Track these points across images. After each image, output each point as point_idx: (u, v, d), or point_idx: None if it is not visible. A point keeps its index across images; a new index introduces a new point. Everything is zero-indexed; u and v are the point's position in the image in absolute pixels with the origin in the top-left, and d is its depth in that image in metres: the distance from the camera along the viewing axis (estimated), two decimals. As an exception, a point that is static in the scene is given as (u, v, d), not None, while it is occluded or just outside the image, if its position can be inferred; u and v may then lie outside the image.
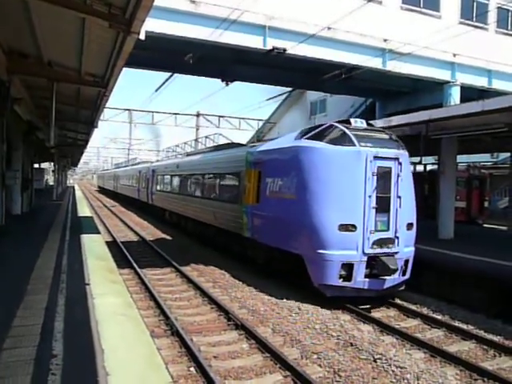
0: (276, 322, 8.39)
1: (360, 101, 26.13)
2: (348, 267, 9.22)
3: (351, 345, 7.30)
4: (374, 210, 9.31)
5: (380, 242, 9.42)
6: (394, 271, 9.22)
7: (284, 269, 11.11)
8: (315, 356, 6.85)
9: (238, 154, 14.10)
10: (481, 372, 6.46)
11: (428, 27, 18.75)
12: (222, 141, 33.56)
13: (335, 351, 7.06)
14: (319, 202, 9.41)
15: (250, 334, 7.56)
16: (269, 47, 15.27)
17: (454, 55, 20.35)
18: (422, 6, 19.51)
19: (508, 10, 22.01)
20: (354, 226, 9.22)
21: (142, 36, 7.20)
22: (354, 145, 9.39)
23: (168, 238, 19.78)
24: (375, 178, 9.27)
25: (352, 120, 10.38)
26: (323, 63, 16.83)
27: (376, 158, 9.32)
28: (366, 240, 9.23)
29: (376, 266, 9.30)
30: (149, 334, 5.52)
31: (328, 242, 9.21)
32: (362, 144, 9.42)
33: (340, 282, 9.21)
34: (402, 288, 10.09)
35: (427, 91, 21.77)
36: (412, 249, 10.05)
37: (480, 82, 21.73)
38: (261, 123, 37.13)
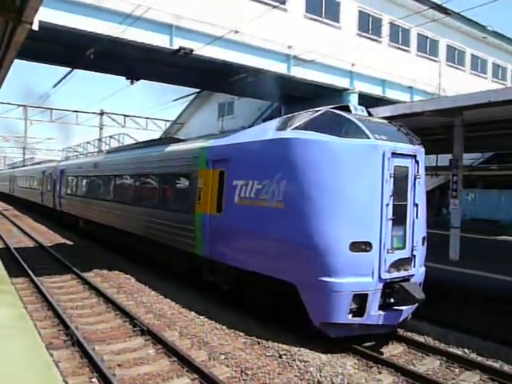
0: (184, 325, 8.29)
1: (267, 104, 26.79)
2: (360, 298, 7.01)
3: (258, 343, 7.46)
4: (390, 223, 7.15)
5: (397, 264, 7.33)
6: (420, 301, 7.23)
7: (262, 300, 8.60)
8: (223, 356, 6.88)
9: (189, 150, 11.02)
10: None
11: (329, 36, 19.86)
12: (128, 141, 32.43)
13: (242, 350, 7.16)
14: (323, 213, 7.05)
15: (157, 339, 7.39)
16: (176, 47, 15.08)
17: (353, 65, 21.74)
18: (323, 16, 20.57)
19: (399, 26, 24.00)
20: (369, 245, 7.00)
21: (36, 26, 6.70)
22: (368, 137, 7.18)
23: (69, 242, 18.59)
24: (392, 180, 7.19)
25: (351, 106, 8.29)
26: (230, 66, 17.01)
27: (393, 154, 7.24)
28: (382, 262, 7.07)
29: (394, 294, 7.29)
30: (44, 346, 5.15)
31: (336, 266, 6.91)
32: (377, 136, 7.24)
33: (350, 319, 7.02)
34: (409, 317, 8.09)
35: (329, 97, 22.91)
36: (424, 269, 8.11)
37: (376, 90, 23.45)
38: (168, 124, 36.46)
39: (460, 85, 24.62)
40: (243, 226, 8.45)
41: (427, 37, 25.83)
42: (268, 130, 8.48)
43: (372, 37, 22.97)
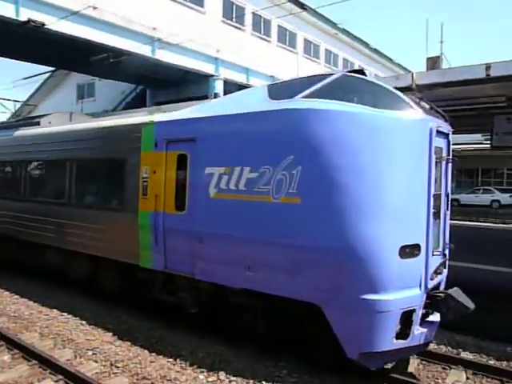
0: (45, 324, 7.65)
1: (131, 87, 25.69)
2: (406, 316, 5.50)
3: (128, 334, 7.25)
4: (432, 218, 5.71)
5: (438, 268, 6.15)
6: (471, 309, 5.78)
7: (252, 327, 6.46)
8: (90, 352, 6.54)
9: (124, 127, 8.17)
10: None
11: (194, 21, 19.72)
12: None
13: (111, 343, 6.89)
14: (364, 209, 5.30)
15: (13, 344, 6.69)
16: (23, 18, 13.52)
17: (218, 51, 21.94)
18: (188, -1, 20.31)
19: (261, 16, 24.86)
20: (417, 248, 5.50)
21: None
22: (413, 109, 5.66)
23: None
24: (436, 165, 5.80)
25: (366, 71, 6.72)
26: (89, 44, 15.87)
27: (438, 133, 5.80)
28: (428, 267, 5.63)
29: (438, 305, 5.83)
30: None
31: (384, 278, 5.27)
32: (421, 110, 5.76)
33: (394, 344, 5.48)
34: None
35: (195, 83, 22.86)
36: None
37: (240, 78, 24.05)
38: (18, 105, 32.74)
39: (316, 76, 26.57)
40: (227, 229, 6.25)
41: (286, 29, 27.23)
42: (255, 100, 6.37)
43: (236, 25, 23.43)
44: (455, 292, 5.84)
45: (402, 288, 5.37)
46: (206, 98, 21.24)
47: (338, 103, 5.58)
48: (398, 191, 5.38)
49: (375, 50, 36.18)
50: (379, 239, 5.28)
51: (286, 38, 27.33)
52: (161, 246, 7.14)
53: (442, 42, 20.43)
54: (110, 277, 8.47)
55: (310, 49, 29.61)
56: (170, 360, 6.30)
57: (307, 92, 5.88)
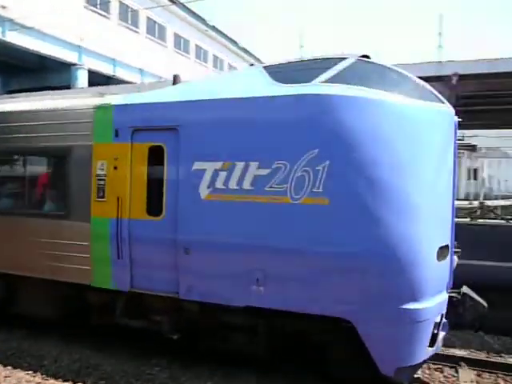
0: None
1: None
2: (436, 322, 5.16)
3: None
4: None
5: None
6: (486, 308, 5.49)
7: (255, 350, 5.45)
8: None
9: (67, 111, 6.35)
10: None
11: (54, 4, 18.09)
12: None
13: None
14: (404, 209, 4.75)
15: None
16: None
17: (81, 39, 20.51)
18: (45, -20, 18.58)
19: (128, 6, 23.92)
20: (447, 249, 5.16)
21: None
22: (440, 101, 5.29)
23: None
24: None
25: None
26: None
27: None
28: (452, 268, 5.35)
29: (457, 306, 5.43)
30: None
31: (424, 284, 4.77)
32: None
33: (428, 352, 5.09)
34: None
35: (55, 71, 21.04)
36: None
37: (106, 69, 22.81)
38: None
39: (186, 71, 26.53)
40: (227, 236, 5.19)
41: (156, 21, 26.60)
42: (255, 83, 5.39)
43: (101, 12, 22.17)
44: (470, 291, 5.51)
45: (438, 293, 4.96)
46: (68, 88, 19.88)
47: (371, 91, 4.88)
48: (435, 188, 4.95)
49: (244, 49, 37.38)
50: (421, 241, 4.74)
51: (156, 31, 26.65)
52: (126, 260, 5.69)
53: (440, 34, 21.67)
54: (41, 301, 6.60)
55: (181, 43, 29.34)
56: (30, 372, 5.77)
57: (326, 76, 5.05)
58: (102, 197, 5.87)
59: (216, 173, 5.20)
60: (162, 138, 5.56)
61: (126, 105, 5.94)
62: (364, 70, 5.32)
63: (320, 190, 4.75)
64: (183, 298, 5.40)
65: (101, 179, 5.88)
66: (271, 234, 4.95)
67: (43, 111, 6.55)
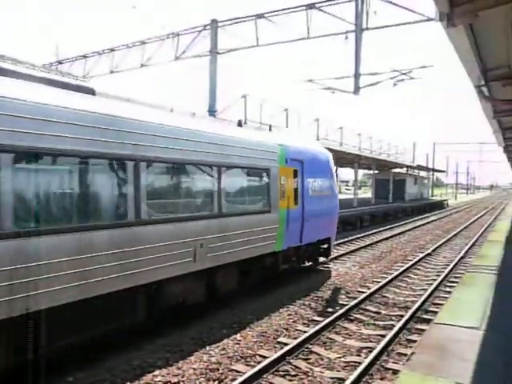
0: None
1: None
2: None
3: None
4: None
5: None
6: None
7: None
8: None
9: (267, 143, 9.95)
10: None
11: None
12: None
13: None
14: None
15: None
16: None
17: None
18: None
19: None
20: None
21: None
22: None
23: None
24: None
25: None
26: None
27: None
28: None
29: None
30: None
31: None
32: None
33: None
34: None
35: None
36: None
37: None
38: None
39: None
40: (319, 212, 11.90)
41: None
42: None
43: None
44: None
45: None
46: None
47: None
48: None
49: None
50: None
51: None
52: (288, 231, 10.29)
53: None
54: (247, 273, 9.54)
55: None
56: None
57: None
58: (283, 197, 10.12)
59: (313, 182, 11.49)
60: (297, 165, 10.84)
61: (287, 146, 10.58)
62: None
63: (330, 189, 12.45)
64: (302, 244, 11.10)
65: (282, 187, 10.11)
66: (329, 208, 12.43)
67: (251, 141, 9.36)
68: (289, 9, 15.99)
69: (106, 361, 6.42)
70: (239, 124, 10.32)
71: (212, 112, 17.16)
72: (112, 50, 20.86)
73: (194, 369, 6.25)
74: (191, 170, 7.68)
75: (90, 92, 6.49)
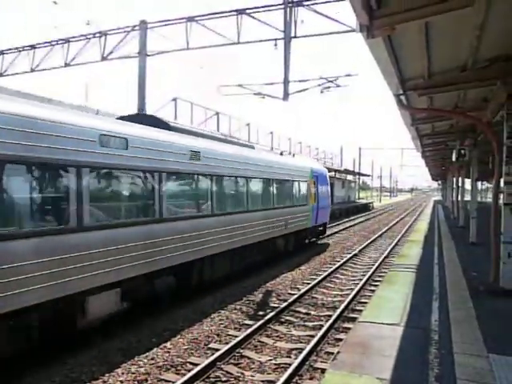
0: None
1: None
2: None
3: None
4: None
5: None
6: None
7: None
8: None
9: (304, 167, 18.46)
10: None
11: None
12: None
13: None
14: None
15: None
16: None
17: None
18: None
19: None
20: None
21: None
22: None
23: None
24: None
25: None
26: None
27: None
28: None
29: None
30: None
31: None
32: None
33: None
34: None
35: None
36: None
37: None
38: None
39: None
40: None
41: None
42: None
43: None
44: None
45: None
46: None
47: None
48: None
49: None
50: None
51: None
52: (312, 217, 18.26)
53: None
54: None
55: None
56: None
57: None
58: (310, 196, 17.93)
59: (321, 188, 19.90)
60: (315, 178, 18.95)
61: (311, 166, 19.15)
62: None
63: (327, 192, 21.54)
64: (316, 224, 19.36)
65: (310, 191, 17.98)
66: (327, 204, 21.52)
67: (304, 166, 18.34)
68: (220, 13, 16.03)
69: (24, 377, 6.02)
70: (281, 153, 18.49)
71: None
72: (33, 47, 19.69)
73: (121, 381, 6.02)
74: (281, 183, 15.10)
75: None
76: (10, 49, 20.29)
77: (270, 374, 6.42)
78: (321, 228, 20.21)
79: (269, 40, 14.81)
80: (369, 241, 21.04)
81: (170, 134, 9.18)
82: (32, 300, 5.77)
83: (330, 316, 8.93)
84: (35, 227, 5.91)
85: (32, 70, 19.69)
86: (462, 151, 17.12)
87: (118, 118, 9.39)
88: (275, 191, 14.24)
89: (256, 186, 13.04)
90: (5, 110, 5.60)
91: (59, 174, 6.40)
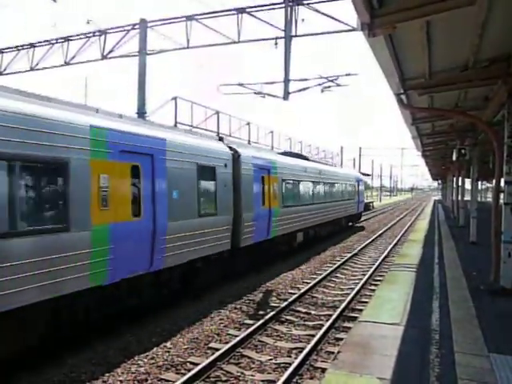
0: None
1: None
2: None
3: None
4: None
5: None
6: None
7: None
8: None
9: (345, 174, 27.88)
10: None
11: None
12: None
13: None
14: None
15: None
16: None
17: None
18: None
19: None
20: None
21: None
22: None
23: None
24: None
25: None
26: None
27: None
28: None
29: None
30: None
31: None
32: None
33: None
34: None
35: None
36: None
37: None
38: None
39: None
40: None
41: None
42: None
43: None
44: None
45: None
46: None
47: None
48: None
49: None
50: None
51: None
52: (358, 207, 29.66)
53: None
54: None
55: None
56: None
57: None
58: (355, 193, 28.97)
59: (360, 188, 30.70)
60: (359, 181, 30.72)
61: (356, 174, 32.30)
62: None
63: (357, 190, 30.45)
64: (358, 212, 30.27)
65: (357, 190, 29.50)
66: (362, 198, 33.91)
67: (357, 176, 31.37)
68: (220, 12, 15.97)
69: (24, 377, 6.00)
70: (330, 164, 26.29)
71: (141, 113, 16.68)
72: (32, 45, 19.64)
73: (121, 381, 6.01)
74: (343, 185, 25.20)
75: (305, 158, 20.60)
76: (10, 47, 20.24)
77: (270, 373, 6.39)
78: (358, 215, 30.16)
79: (269, 39, 14.75)
80: (369, 240, 21.01)
81: (308, 162, 19.50)
82: None
83: (331, 315, 8.91)
84: None
85: (31, 69, 19.64)
86: (463, 150, 17.09)
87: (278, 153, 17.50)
88: (341, 189, 24.42)
89: (333, 187, 22.64)
90: None
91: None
